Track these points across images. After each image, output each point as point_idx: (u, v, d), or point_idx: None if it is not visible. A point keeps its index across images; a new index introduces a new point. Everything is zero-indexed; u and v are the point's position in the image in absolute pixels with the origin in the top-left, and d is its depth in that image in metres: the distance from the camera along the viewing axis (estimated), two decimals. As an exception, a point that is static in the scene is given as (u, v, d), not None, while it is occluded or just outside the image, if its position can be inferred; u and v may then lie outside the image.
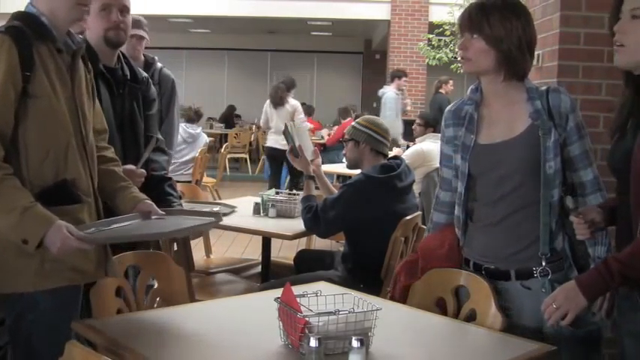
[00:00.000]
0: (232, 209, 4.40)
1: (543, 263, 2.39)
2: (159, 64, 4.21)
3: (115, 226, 2.38)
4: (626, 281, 2.03)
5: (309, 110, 13.47)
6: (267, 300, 2.22)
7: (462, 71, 2.69)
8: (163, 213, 2.50)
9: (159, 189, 3.17)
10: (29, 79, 2.20)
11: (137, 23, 3.94)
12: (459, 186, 2.53)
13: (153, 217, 2.46)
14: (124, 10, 3.03)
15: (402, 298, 2.68)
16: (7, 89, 2.16)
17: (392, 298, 2.77)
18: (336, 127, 11.82)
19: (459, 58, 2.59)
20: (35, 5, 2.33)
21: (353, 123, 4.08)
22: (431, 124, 6.94)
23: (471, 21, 2.43)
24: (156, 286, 2.74)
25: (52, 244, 2.14)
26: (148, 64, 4.13)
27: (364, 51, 19.75)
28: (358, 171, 3.87)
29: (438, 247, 2.64)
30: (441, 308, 2.60)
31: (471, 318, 2.49)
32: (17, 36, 2.20)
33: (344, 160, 4.17)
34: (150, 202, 2.50)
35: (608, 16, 2.21)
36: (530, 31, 2.45)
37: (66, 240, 2.14)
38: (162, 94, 4.06)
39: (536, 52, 3.87)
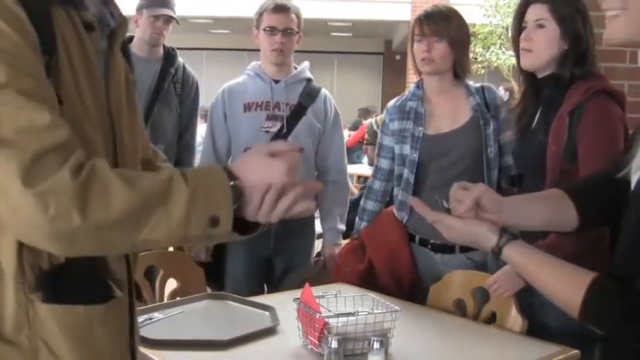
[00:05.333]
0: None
1: None
2: (180, 60, 3.73)
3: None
4: None
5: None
6: (286, 300, 2.22)
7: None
8: None
9: None
10: (49, 71, 1.18)
11: (164, 1, 3.61)
12: (406, 173, 2.83)
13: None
14: None
15: (355, 281, 2.81)
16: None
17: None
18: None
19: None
20: None
21: (374, 126, 4.07)
22: None
23: (437, 26, 2.75)
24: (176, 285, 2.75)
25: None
26: (171, 57, 3.69)
27: (385, 52, 19.73)
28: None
29: (387, 228, 2.90)
30: (460, 309, 2.60)
31: (490, 320, 2.48)
32: None
33: (363, 161, 4.17)
34: None
35: (512, 24, 2.52)
36: (469, 35, 2.90)
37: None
38: (184, 97, 3.70)
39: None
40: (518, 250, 1.40)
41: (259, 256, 3.19)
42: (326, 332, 1.94)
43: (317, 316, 1.96)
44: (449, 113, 2.83)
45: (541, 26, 2.37)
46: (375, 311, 2.04)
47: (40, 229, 1.09)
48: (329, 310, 2.07)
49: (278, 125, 3.15)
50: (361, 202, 3.08)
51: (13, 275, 1.18)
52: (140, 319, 2.20)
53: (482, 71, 11.32)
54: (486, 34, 10.92)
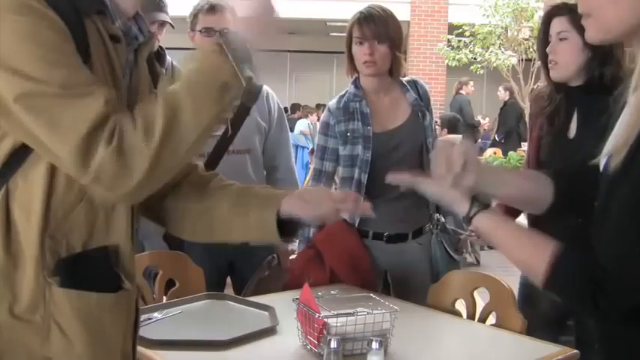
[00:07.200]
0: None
1: (435, 218, 2.98)
2: (169, 58, 3.57)
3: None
4: None
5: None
6: (285, 300, 2.22)
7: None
8: None
9: None
10: None
11: (158, 5, 3.48)
12: (357, 174, 2.86)
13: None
14: None
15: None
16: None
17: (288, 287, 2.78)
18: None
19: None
20: None
21: None
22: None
23: (377, 29, 2.82)
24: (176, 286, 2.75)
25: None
26: (161, 57, 3.50)
27: (384, 52, 19.72)
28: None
29: (340, 233, 2.86)
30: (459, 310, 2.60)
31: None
32: (60, 3, 1.27)
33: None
34: None
35: (537, 38, 2.59)
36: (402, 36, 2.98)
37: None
38: None
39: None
40: (489, 216, 1.43)
41: (220, 257, 3.09)
42: (325, 332, 1.94)
43: (316, 316, 1.96)
44: (390, 110, 2.95)
45: (564, 38, 2.45)
46: (374, 311, 2.04)
47: (106, 196, 1.30)
48: (328, 310, 2.07)
49: (222, 128, 3.03)
50: None
51: (34, 259, 1.29)
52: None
53: (482, 71, 11.32)
54: (485, 34, 10.89)
